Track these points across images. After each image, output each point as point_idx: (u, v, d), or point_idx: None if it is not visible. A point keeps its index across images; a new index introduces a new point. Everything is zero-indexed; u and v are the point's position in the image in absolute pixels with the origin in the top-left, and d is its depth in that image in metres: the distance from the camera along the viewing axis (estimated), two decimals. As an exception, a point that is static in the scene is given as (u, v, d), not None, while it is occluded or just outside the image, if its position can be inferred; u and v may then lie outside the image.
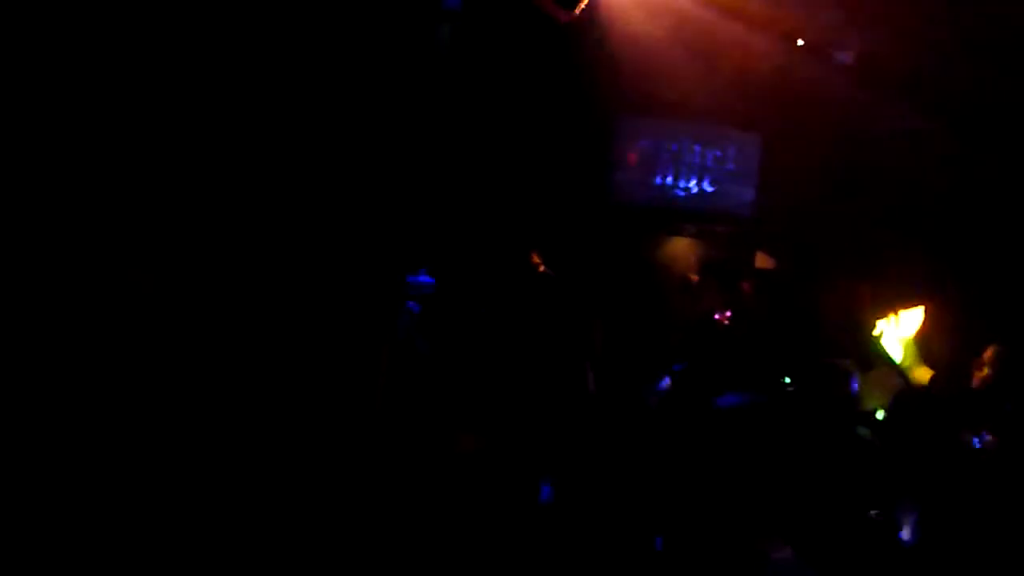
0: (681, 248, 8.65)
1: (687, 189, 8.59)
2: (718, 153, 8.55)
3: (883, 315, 4.35)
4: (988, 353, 4.08)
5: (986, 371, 4.04)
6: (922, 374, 4.35)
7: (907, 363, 4.28)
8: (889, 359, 4.37)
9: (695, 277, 7.69)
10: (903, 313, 4.28)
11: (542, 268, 7.32)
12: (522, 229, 7.61)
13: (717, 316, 6.44)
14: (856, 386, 4.69)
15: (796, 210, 8.02)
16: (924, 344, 4.29)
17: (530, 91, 7.44)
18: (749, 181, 8.55)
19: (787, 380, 5.24)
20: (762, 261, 8.62)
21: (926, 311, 4.26)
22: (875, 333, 4.38)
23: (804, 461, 4.43)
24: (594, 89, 7.67)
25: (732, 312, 6.18)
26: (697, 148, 8.52)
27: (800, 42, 7.23)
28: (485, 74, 6.79)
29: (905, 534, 2.64)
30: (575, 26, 6.12)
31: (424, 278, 4.81)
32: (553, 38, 6.64)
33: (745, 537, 3.35)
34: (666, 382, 4.44)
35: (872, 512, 2.96)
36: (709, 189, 8.61)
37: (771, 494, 4.12)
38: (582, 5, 4.28)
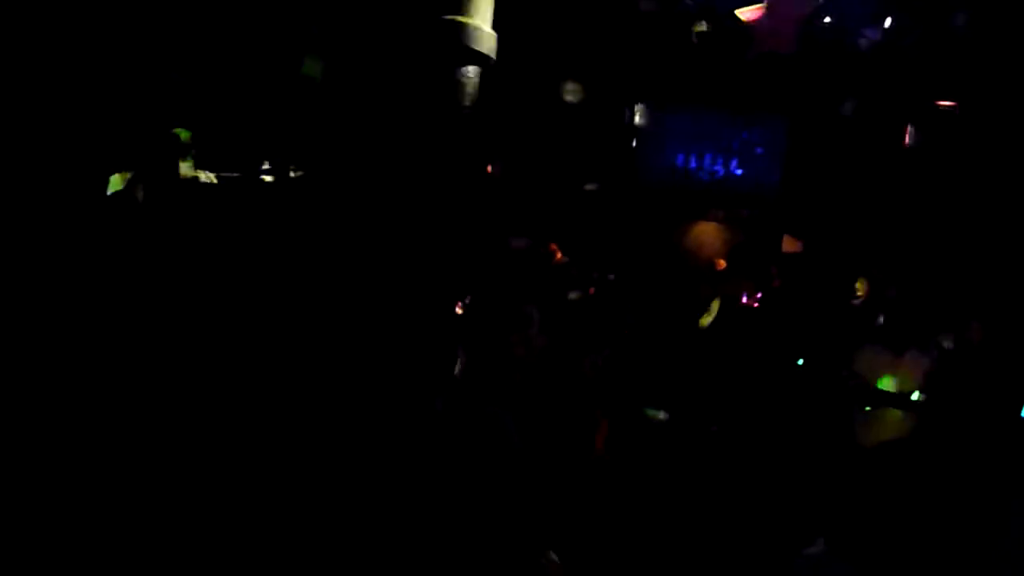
0: (707, 232, 8.61)
1: (713, 173, 8.54)
2: (744, 136, 8.48)
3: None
4: None
5: None
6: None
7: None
8: None
9: (722, 262, 7.64)
10: None
11: (560, 256, 7.32)
12: (544, 216, 7.63)
13: (745, 301, 6.41)
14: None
15: (823, 193, 7.96)
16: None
17: (555, 77, 7.42)
18: (775, 163, 8.47)
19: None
20: (789, 245, 8.56)
21: None
22: None
23: (836, 452, 4.42)
24: (619, 74, 7.64)
25: (761, 297, 6.15)
26: (723, 131, 8.46)
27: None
28: (510, 60, 6.77)
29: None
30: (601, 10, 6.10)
31: None
32: (577, 23, 6.61)
33: (774, 530, 3.34)
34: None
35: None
36: (735, 172, 8.55)
37: (802, 486, 4.11)
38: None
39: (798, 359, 5.37)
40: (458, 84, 1.80)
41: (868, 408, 4.68)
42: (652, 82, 7.99)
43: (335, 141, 2.12)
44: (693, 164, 8.54)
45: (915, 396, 4.69)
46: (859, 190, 7.59)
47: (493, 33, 1.82)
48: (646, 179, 8.50)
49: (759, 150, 8.49)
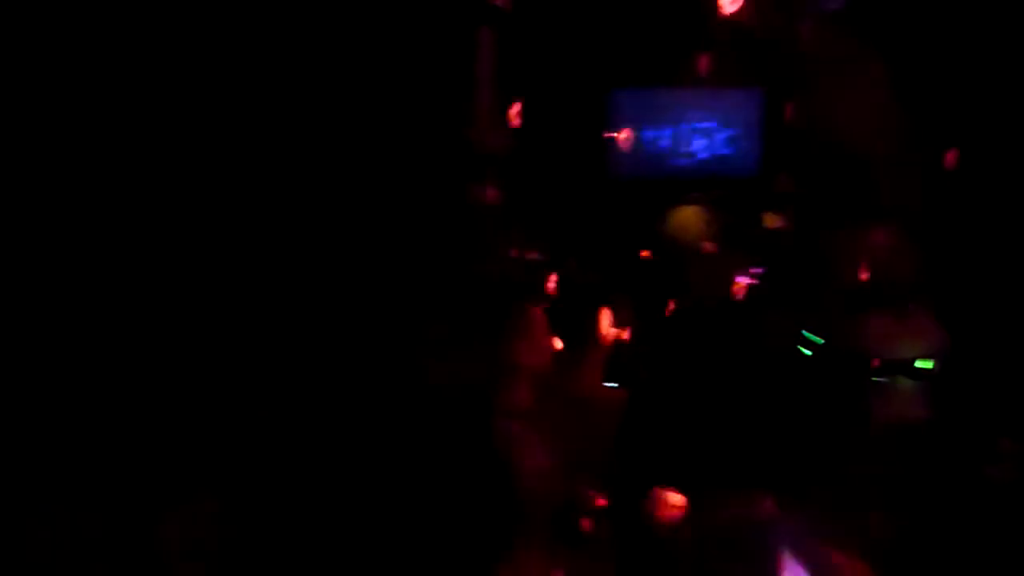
0: (689, 217, 8.44)
1: (689, 155, 8.37)
2: (718, 115, 8.33)
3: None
4: None
5: None
6: None
7: None
8: None
9: (708, 245, 7.49)
10: None
11: (533, 255, 7.12)
12: (515, 215, 7.44)
13: (739, 280, 6.24)
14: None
15: (802, 166, 7.83)
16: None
17: (517, 69, 7.20)
18: (753, 140, 8.33)
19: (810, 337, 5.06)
20: (771, 221, 8.42)
21: None
22: None
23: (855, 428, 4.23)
24: (582, 62, 7.46)
25: (755, 275, 5.98)
26: (696, 113, 8.30)
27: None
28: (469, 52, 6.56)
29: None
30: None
31: None
32: (535, 12, 6.42)
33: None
34: None
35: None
36: (712, 153, 8.40)
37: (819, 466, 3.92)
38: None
39: (804, 337, 5.20)
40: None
41: (882, 379, 4.54)
42: (619, 67, 7.81)
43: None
44: (668, 147, 8.37)
45: (927, 364, 4.54)
46: (844, 159, 7.46)
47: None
48: (620, 169, 8.32)
49: (735, 127, 8.35)
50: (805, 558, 2.20)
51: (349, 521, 1.94)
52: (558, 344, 2.36)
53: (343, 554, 1.95)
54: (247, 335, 2.20)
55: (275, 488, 2.03)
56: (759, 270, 6.04)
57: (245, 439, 2.12)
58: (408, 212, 1.85)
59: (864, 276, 5.83)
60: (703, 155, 8.39)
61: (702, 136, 8.36)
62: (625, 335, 3.83)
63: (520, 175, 7.68)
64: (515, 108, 6.93)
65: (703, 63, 7.71)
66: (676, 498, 2.23)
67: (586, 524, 2.42)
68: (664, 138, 8.34)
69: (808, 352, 5.06)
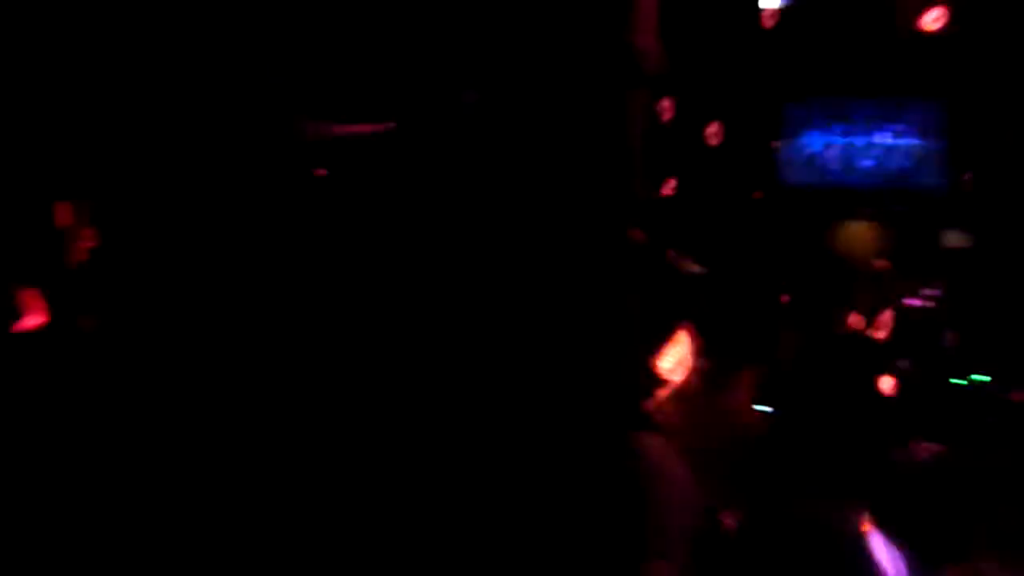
0: (861, 233, 8.04)
1: (864, 169, 7.98)
2: (897, 127, 7.89)
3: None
4: None
5: None
6: None
7: None
8: None
9: (880, 263, 7.13)
10: None
11: (693, 267, 6.99)
12: (680, 225, 7.34)
13: (909, 303, 5.92)
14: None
15: (990, 181, 7.28)
16: None
17: (693, 83, 7.13)
18: (934, 154, 7.83)
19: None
20: (953, 240, 7.88)
21: None
22: None
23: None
24: (759, 73, 7.28)
25: (931, 299, 5.64)
26: (872, 125, 7.91)
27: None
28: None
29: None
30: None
31: None
32: (710, 23, 6.35)
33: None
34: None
35: None
36: (889, 167, 7.96)
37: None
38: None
39: (977, 371, 4.86)
40: (630, 107, 1.71)
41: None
42: (793, 76, 7.57)
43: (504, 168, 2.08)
44: (840, 159, 8.01)
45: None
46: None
47: (662, 51, 1.70)
48: (790, 179, 8.05)
49: (914, 140, 7.88)
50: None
51: (481, 531, 1.99)
52: (703, 360, 2.34)
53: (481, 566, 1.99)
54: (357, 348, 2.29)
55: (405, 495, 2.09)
56: (935, 292, 5.69)
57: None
58: (564, 218, 1.90)
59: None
60: (880, 168, 7.97)
61: (880, 148, 7.95)
62: (786, 355, 3.73)
63: (689, 187, 7.62)
64: (713, 128, 6.88)
65: (882, 73, 7.34)
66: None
67: (722, 541, 2.41)
68: (838, 149, 7.99)
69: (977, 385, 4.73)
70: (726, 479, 2.66)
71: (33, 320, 2.90)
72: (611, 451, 2.17)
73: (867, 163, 7.98)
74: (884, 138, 7.93)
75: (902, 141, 7.93)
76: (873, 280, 6.78)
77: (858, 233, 8.05)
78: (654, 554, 2.04)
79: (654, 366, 2.28)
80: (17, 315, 2.88)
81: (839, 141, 7.99)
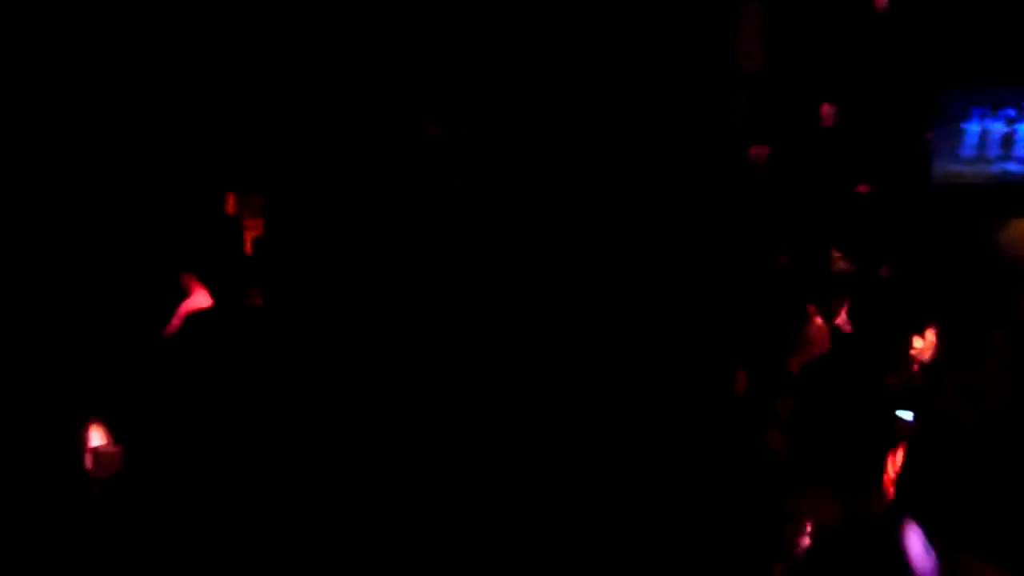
0: (1024, 231, 7.50)
1: (1031, 162, 7.42)
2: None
3: None
4: None
5: None
6: None
7: None
8: None
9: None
10: None
11: (842, 264, 6.73)
12: (825, 221, 7.08)
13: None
14: None
15: None
16: None
17: (842, 67, 6.87)
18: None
19: None
20: None
21: None
22: None
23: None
24: (912, 60, 6.93)
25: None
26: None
27: None
28: (793, 48, 6.39)
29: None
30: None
31: None
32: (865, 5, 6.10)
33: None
34: None
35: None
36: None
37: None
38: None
39: None
40: (729, 108, 1.74)
41: None
42: (947, 64, 7.16)
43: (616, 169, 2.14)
44: (1002, 152, 7.48)
45: None
46: None
47: (762, 52, 1.73)
48: (943, 173, 7.59)
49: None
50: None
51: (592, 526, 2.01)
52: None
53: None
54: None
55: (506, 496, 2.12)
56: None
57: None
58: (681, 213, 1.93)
59: None
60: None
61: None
62: (927, 359, 3.58)
63: (834, 178, 7.35)
64: (826, 109, 6.66)
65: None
66: None
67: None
68: (999, 140, 7.47)
69: None
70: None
71: (199, 302, 3.18)
72: (736, 443, 2.19)
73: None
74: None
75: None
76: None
77: (1022, 232, 7.51)
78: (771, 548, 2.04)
79: (786, 361, 2.28)
80: (185, 298, 3.17)
81: (1004, 129, 7.48)
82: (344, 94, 2.95)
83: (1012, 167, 7.50)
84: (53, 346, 2.59)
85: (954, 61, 6.98)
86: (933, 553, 2.12)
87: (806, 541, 2.09)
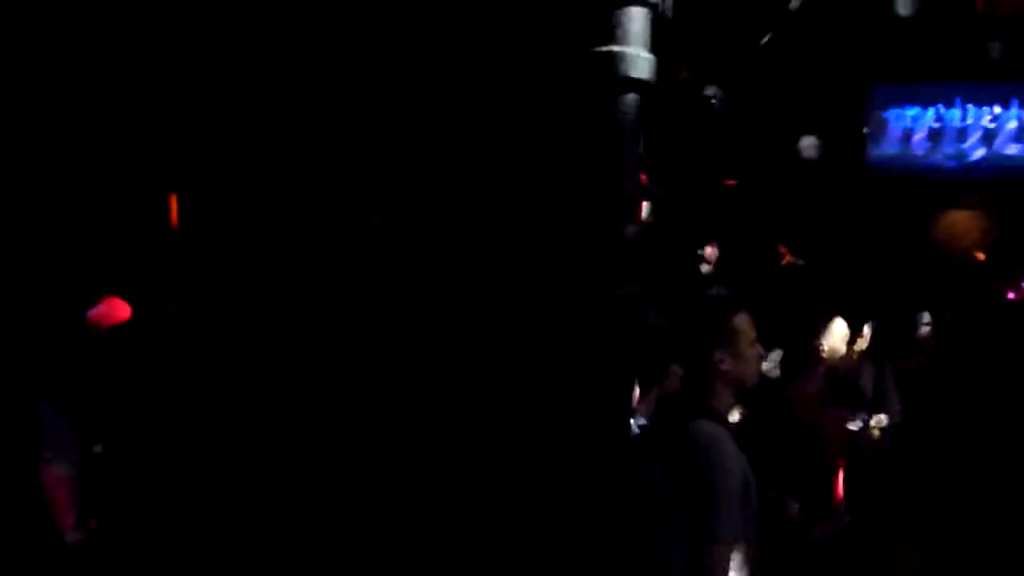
0: (960, 223, 7.68)
1: (960, 156, 7.59)
2: (997, 111, 7.47)
3: None
4: None
5: None
6: None
7: None
8: None
9: (981, 255, 6.80)
10: None
11: (789, 258, 6.83)
12: (766, 216, 7.18)
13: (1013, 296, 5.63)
14: None
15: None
16: None
17: (772, 60, 6.94)
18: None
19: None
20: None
21: None
22: None
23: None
24: (843, 54, 7.03)
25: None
26: (969, 108, 7.51)
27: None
28: (721, 42, 6.44)
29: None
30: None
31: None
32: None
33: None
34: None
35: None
36: (988, 153, 7.55)
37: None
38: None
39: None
40: (616, 114, 1.74)
41: None
42: (880, 59, 7.29)
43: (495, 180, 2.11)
44: (936, 146, 7.64)
45: None
46: None
47: (651, 57, 1.74)
48: (879, 167, 7.72)
49: (1016, 124, 7.45)
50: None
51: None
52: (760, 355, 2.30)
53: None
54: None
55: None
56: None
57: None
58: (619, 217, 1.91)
59: None
60: (980, 154, 7.57)
61: (979, 134, 7.55)
62: (862, 350, 3.61)
63: (769, 173, 7.45)
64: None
65: (985, 52, 6.98)
66: None
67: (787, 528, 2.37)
68: (932, 135, 7.63)
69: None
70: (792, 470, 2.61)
71: (120, 314, 3.09)
72: (664, 439, 2.17)
73: (966, 149, 7.59)
74: (985, 122, 7.54)
75: (1002, 126, 7.51)
76: (972, 274, 6.49)
77: (957, 224, 7.69)
78: (712, 538, 2.03)
79: (713, 358, 2.26)
80: (107, 314, 3.08)
81: (935, 126, 7.64)
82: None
83: (941, 161, 7.67)
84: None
85: (885, 55, 7.10)
86: None
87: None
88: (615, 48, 1.68)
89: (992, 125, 7.49)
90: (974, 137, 7.55)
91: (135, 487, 2.47)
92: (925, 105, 7.59)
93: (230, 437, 2.40)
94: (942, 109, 7.58)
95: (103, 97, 3.64)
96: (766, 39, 6.33)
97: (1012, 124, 7.47)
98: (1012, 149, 7.54)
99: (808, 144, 7.45)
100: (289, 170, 2.80)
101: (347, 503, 2.22)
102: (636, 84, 1.69)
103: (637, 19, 1.69)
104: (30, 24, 3.49)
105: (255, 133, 2.81)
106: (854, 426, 3.33)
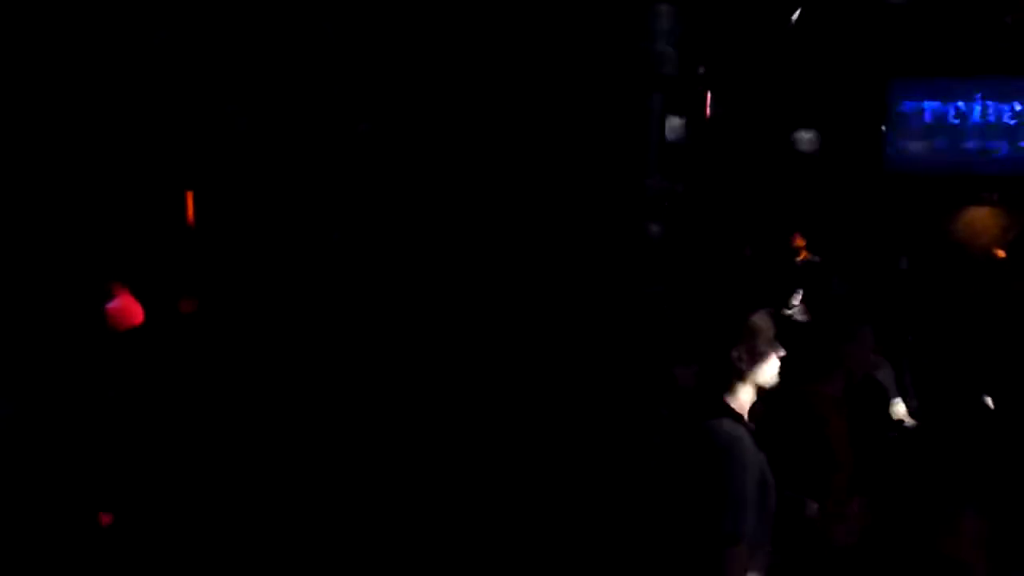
0: (981, 219, 7.59)
1: (983, 152, 7.50)
2: (1018, 108, 7.38)
3: None
4: None
5: None
6: None
7: None
8: None
9: (1002, 252, 6.71)
10: None
11: (805, 255, 6.78)
12: (784, 210, 7.12)
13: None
14: None
15: None
16: None
17: (793, 55, 6.88)
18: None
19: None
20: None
21: None
22: None
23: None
24: (865, 50, 6.96)
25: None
26: (990, 104, 7.42)
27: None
28: (741, 38, 6.39)
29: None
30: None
31: None
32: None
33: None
34: None
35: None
36: (1009, 149, 7.46)
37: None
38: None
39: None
40: (648, 110, 1.73)
41: None
42: (901, 55, 7.21)
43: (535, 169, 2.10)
44: (957, 144, 7.55)
45: None
46: None
47: (675, 53, 1.73)
48: (899, 163, 7.64)
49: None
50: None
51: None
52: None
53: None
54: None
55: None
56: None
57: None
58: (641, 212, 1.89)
59: None
60: (1002, 151, 7.48)
61: (1000, 130, 7.46)
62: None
63: (790, 168, 7.39)
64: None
65: (1003, 50, 6.89)
66: None
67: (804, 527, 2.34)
68: (952, 131, 7.54)
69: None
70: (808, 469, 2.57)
71: (135, 317, 3.11)
72: (682, 436, 2.15)
73: (988, 145, 7.50)
74: (1003, 118, 7.44)
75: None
76: (991, 271, 6.41)
77: (976, 220, 7.61)
78: (730, 538, 2.00)
79: (730, 357, 2.23)
80: (124, 310, 3.09)
81: (956, 123, 7.55)
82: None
83: (961, 157, 7.58)
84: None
85: (905, 51, 7.03)
86: None
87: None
88: (644, 45, 1.66)
89: (1013, 122, 7.40)
90: (994, 133, 7.46)
91: (149, 480, 2.49)
92: (945, 101, 7.50)
93: (242, 431, 2.42)
94: (962, 105, 7.49)
95: (120, 95, 3.66)
96: (796, 15, 6.26)
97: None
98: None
99: (804, 138, 7.41)
100: (306, 168, 2.79)
101: (363, 496, 2.22)
102: (663, 81, 1.68)
103: (664, 16, 1.68)
104: (49, 23, 3.51)
105: (271, 132, 2.81)
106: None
